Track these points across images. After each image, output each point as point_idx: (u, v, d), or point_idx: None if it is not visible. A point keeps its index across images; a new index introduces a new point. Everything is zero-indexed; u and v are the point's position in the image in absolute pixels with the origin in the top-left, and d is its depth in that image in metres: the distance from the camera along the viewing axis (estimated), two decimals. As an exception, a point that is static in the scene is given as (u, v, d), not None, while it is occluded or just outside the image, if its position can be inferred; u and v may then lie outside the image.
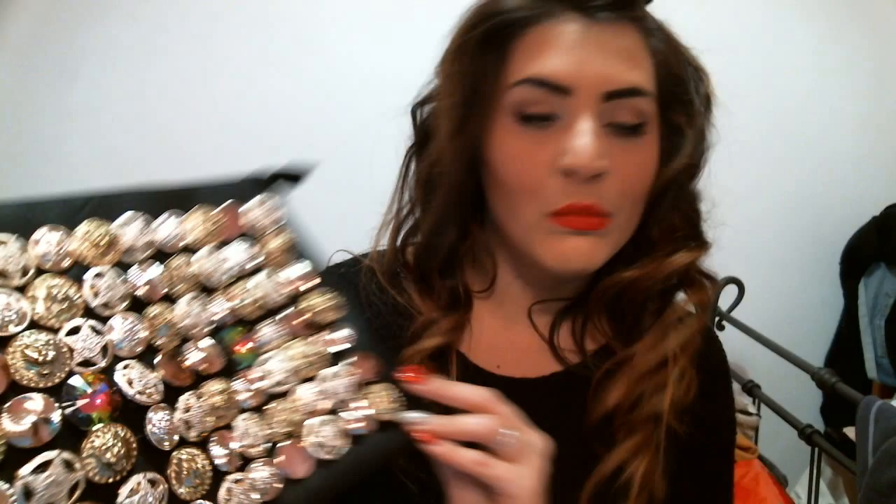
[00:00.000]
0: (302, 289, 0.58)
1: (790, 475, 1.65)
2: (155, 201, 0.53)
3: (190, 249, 0.54)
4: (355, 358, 0.57)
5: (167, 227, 0.52)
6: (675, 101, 0.69)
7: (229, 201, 0.57)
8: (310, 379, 0.55)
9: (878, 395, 1.29)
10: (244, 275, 0.56)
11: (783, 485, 1.56)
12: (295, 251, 0.59)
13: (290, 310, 0.57)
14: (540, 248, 0.65)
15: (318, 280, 0.59)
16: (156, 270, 0.51)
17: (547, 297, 0.74)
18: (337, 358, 0.57)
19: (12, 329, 0.42)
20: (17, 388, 0.41)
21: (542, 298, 0.74)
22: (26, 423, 0.39)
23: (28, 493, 0.38)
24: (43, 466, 0.39)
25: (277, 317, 0.56)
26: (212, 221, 0.55)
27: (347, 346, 0.58)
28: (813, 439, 1.42)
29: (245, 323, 0.55)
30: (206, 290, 0.53)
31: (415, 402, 0.58)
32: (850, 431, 1.43)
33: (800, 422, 1.45)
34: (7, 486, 0.37)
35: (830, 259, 2.09)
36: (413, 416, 0.57)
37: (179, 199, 0.54)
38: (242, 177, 0.61)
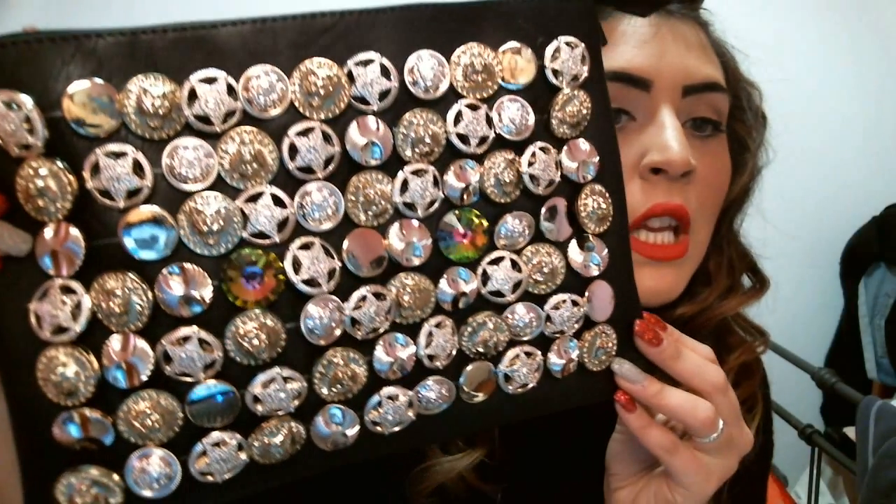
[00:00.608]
0: (585, 177, 0.47)
1: (790, 475, 1.66)
2: (423, 25, 0.42)
3: (437, 101, 0.43)
4: (595, 291, 0.49)
5: (423, 65, 0.42)
6: (737, 107, 0.67)
7: (533, 36, 0.45)
8: (531, 296, 0.47)
9: (878, 395, 1.31)
10: (511, 143, 0.45)
11: (783, 484, 1.58)
12: (591, 127, 0.48)
13: (557, 201, 0.47)
14: None
15: (602, 168, 0.48)
16: (379, 125, 0.41)
17: None
18: (573, 277, 0.48)
19: (192, 186, 0.38)
20: (180, 248, 0.38)
21: None
22: (175, 293, 0.38)
23: (167, 357, 0.39)
24: (182, 340, 0.39)
25: (542, 210, 0.46)
26: (488, 63, 0.43)
27: (598, 270, 0.48)
28: (813, 439, 1.43)
29: (488, 204, 0.45)
30: (452, 156, 0.43)
31: (628, 346, 0.51)
32: (850, 431, 1.45)
33: (800, 422, 1.46)
34: (150, 349, 0.38)
35: (830, 259, 2.09)
36: (631, 372, 0.50)
37: (460, 21, 0.43)
38: None
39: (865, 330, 2.03)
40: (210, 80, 0.38)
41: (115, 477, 0.39)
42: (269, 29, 0.39)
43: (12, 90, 0.35)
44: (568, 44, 0.46)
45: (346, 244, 0.41)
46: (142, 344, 0.38)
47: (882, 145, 2.11)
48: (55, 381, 0.37)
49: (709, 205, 0.63)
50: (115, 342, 0.38)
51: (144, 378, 0.38)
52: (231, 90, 0.38)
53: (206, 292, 0.39)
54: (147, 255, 0.38)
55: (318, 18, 0.40)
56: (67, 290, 0.37)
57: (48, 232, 0.37)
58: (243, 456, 0.41)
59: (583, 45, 0.46)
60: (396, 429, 0.45)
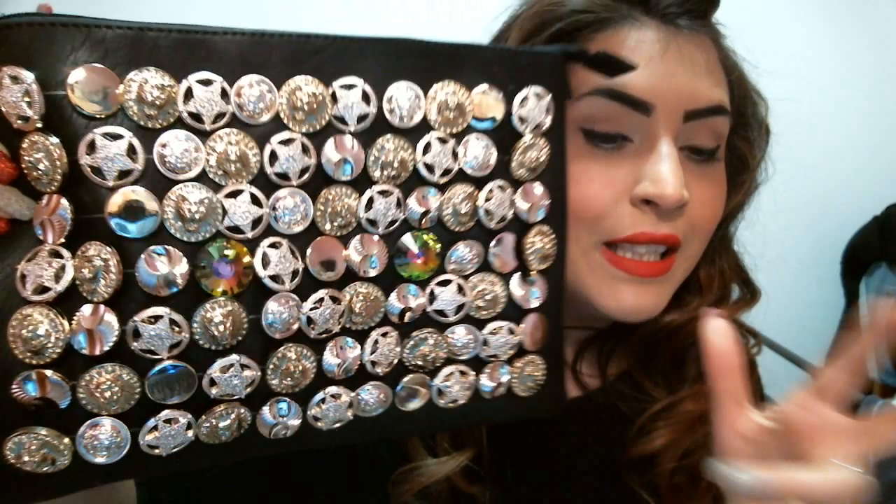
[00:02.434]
0: (535, 218, 0.51)
1: None
2: (407, 59, 0.46)
3: (411, 130, 0.46)
4: (531, 322, 0.53)
5: (401, 95, 0.46)
6: (741, 124, 0.65)
7: (505, 83, 0.49)
8: (472, 320, 0.51)
9: (879, 395, 1.32)
10: (471, 178, 0.49)
11: None
12: (547, 173, 0.52)
13: (506, 236, 0.51)
14: (596, 291, 0.60)
15: (551, 212, 0.52)
16: (354, 144, 0.45)
17: (576, 324, 0.67)
18: (512, 307, 0.52)
19: (178, 176, 0.41)
20: (161, 231, 0.41)
21: (571, 325, 0.65)
22: (158, 273, 0.41)
23: (136, 333, 0.41)
24: (153, 319, 0.41)
25: (492, 243, 0.50)
26: (461, 101, 0.47)
27: (537, 303, 0.53)
28: None
29: (443, 231, 0.49)
30: (416, 182, 0.47)
31: (555, 377, 0.54)
32: None
33: None
34: (119, 324, 0.41)
35: (831, 258, 2.05)
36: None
37: (440, 60, 0.47)
38: (537, 49, 0.53)
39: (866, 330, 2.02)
40: (206, 82, 0.41)
41: (66, 440, 0.41)
42: (266, 43, 0.43)
43: (20, 66, 0.38)
44: (536, 94, 0.51)
45: (310, 249, 0.45)
46: (110, 316, 0.41)
47: (885, 144, 2.08)
48: (25, 336, 0.39)
49: (701, 227, 0.62)
50: (85, 309, 0.40)
51: (107, 348, 0.41)
52: (224, 94, 0.42)
53: (182, 275, 0.42)
54: (129, 232, 0.41)
55: (312, 39, 0.44)
56: (55, 254, 0.40)
57: (43, 201, 0.39)
58: (190, 434, 0.44)
59: (549, 96, 0.51)
60: (335, 426, 0.48)
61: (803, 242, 2.01)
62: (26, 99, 0.39)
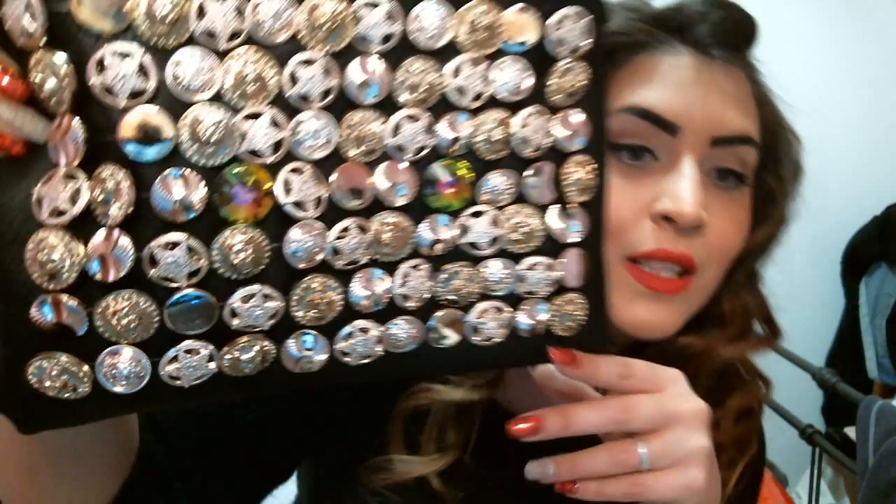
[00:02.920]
0: (573, 147, 0.49)
1: (791, 475, 1.66)
2: None
3: (439, 52, 0.44)
4: (570, 257, 0.50)
5: (429, 16, 0.43)
6: (771, 160, 0.66)
7: (539, 1, 0.46)
8: (508, 254, 0.48)
9: (878, 395, 1.32)
10: (505, 103, 0.46)
11: (783, 485, 1.58)
12: (586, 99, 0.49)
13: (544, 166, 0.48)
14: (616, 305, 0.58)
15: (591, 140, 0.49)
16: (378, 66, 0.43)
17: None
18: (550, 242, 0.49)
19: (193, 97, 0.39)
20: (176, 153, 0.39)
21: None
22: (173, 197, 0.40)
23: (153, 260, 0.40)
24: (170, 245, 0.40)
25: (527, 172, 0.47)
26: (492, 21, 0.44)
27: (577, 238, 0.50)
28: (814, 439, 1.44)
29: (475, 159, 0.46)
30: (446, 107, 0.45)
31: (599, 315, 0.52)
32: (850, 431, 1.45)
33: (801, 421, 1.47)
34: (134, 250, 0.40)
35: (831, 258, 2.09)
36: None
37: None
38: None
39: (866, 330, 2.04)
40: None
41: (85, 368, 0.41)
42: None
43: None
44: (575, 13, 0.47)
45: (334, 175, 0.43)
46: (124, 240, 0.39)
47: (884, 144, 2.09)
48: (41, 260, 0.38)
49: (719, 255, 0.62)
50: (99, 234, 0.39)
51: (122, 274, 0.40)
52: (240, 11, 0.40)
53: (200, 200, 0.40)
54: (144, 155, 0.39)
55: None
56: (69, 177, 0.39)
57: (54, 123, 0.38)
58: (212, 366, 0.43)
59: (589, 16, 0.48)
60: (363, 361, 0.46)
61: (803, 242, 1.99)
62: (28, 13, 0.37)
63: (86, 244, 0.39)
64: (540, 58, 0.47)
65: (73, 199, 0.39)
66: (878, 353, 2.03)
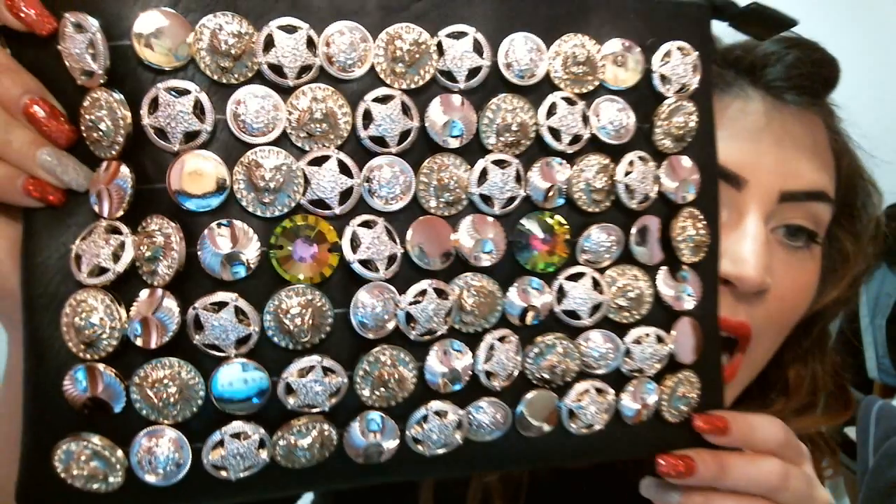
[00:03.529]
0: (684, 198, 0.42)
1: None
2: (524, 7, 0.39)
3: (532, 89, 0.39)
4: (684, 328, 0.43)
5: (520, 49, 0.38)
6: (845, 215, 0.60)
7: (643, 36, 0.41)
8: (611, 323, 0.42)
9: (879, 395, 1.35)
10: (606, 147, 0.40)
11: None
12: (696, 144, 0.43)
13: (650, 220, 0.42)
14: None
15: (702, 191, 0.43)
16: (460, 104, 0.37)
17: None
18: (660, 309, 0.42)
19: (254, 139, 0.34)
20: (231, 203, 0.35)
21: None
22: (221, 251, 0.34)
23: (198, 323, 0.35)
24: (218, 305, 0.35)
25: (633, 228, 0.41)
26: (591, 56, 0.39)
27: (691, 304, 0.43)
28: None
29: (573, 211, 0.40)
30: (539, 152, 0.39)
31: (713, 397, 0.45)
32: (850, 431, 1.45)
33: None
34: (179, 308, 0.34)
35: None
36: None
37: (564, 8, 0.39)
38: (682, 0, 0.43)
39: (866, 330, 2.00)
40: (290, 29, 0.35)
41: (119, 453, 0.34)
42: None
43: (83, 12, 0.33)
44: (680, 49, 0.41)
45: (410, 231, 0.37)
46: (169, 302, 0.34)
47: (884, 144, 2.03)
48: (79, 325, 0.33)
49: (779, 321, 0.56)
50: (142, 294, 0.34)
51: (167, 339, 0.34)
52: (311, 44, 0.35)
53: (253, 256, 0.35)
54: (196, 205, 0.34)
55: None
56: (112, 230, 0.34)
57: (101, 168, 0.34)
58: (264, 455, 0.36)
59: (696, 52, 0.42)
60: (440, 451, 0.39)
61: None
62: (90, 51, 0.33)
63: (127, 307, 0.34)
64: (643, 97, 0.41)
65: (116, 255, 0.34)
66: (878, 353, 1.99)
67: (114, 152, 0.34)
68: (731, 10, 0.43)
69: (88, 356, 0.34)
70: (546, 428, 0.41)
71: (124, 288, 0.34)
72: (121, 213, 0.34)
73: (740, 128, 0.53)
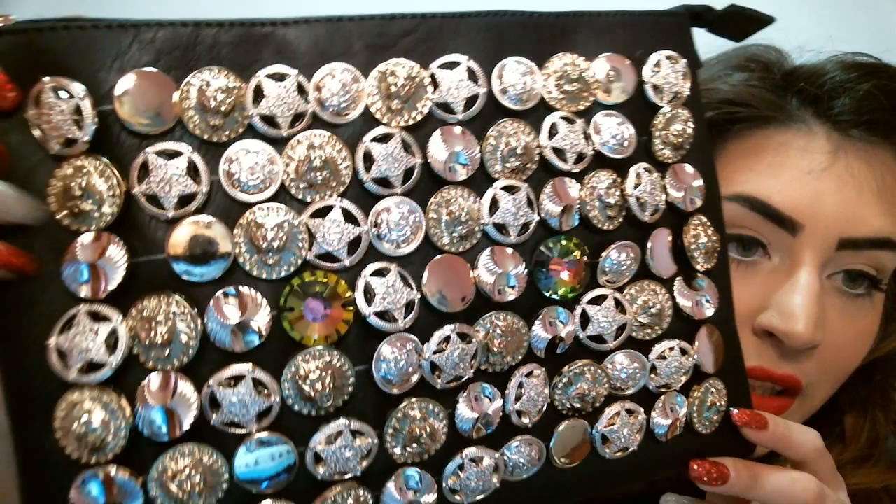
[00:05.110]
0: (692, 206, 0.41)
1: None
2: (509, 33, 0.37)
3: (529, 112, 0.37)
4: (705, 337, 0.42)
5: (511, 74, 0.37)
6: None
7: (631, 48, 0.40)
8: (634, 342, 0.40)
9: None
10: (610, 163, 0.39)
11: None
12: (694, 151, 0.42)
13: (660, 232, 0.40)
14: None
15: (706, 197, 0.42)
16: (460, 134, 0.35)
17: None
18: (680, 321, 0.41)
19: (251, 197, 0.32)
20: (233, 268, 0.32)
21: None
22: (230, 321, 0.32)
23: (214, 402, 0.32)
24: (234, 380, 0.32)
25: (649, 242, 0.39)
26: (583, 73, 0.38)
27: (711, 310, 0.42)
28: None
29: (587, 231, 0.39)
30: (545, 174, 0.38)
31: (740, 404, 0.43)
32: None
33: None
34: (194, 389, 0.32)
35: None
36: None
37: (549, 31, 0.38)
38: (658, 10, 0.42)
39: None
40: (279, 77, 0.33)
41: None
42: (344, 28, 0.35)
43: (62, 77, 0.30)
44: (669, 58, 0.41)
45: (426, 273, 0.35)
46: (184, 386, 0.31)
47: None
48: (78, 433, 0.30)
49: (834, 375, 0.52)
50: (153, 382, 0.31)
51: (186, 427, 0.31)
52: (301, 90, 0.33)
53: (264, 322, 0.32)
54: (196, 276, 0.31)
55: (398, 20, 0.36)
56: (98, 317, 0.31)
57: (85, 239, 0.30)
58: None
59: (684, 60, 0.41)
60: (479, 497, 0.37)
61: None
62: (75, 117, 0.30)
63: (129, 398, 0.31)
64: (637, 109, 0.40)
65: (110, 345, 0.30)
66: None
67: (103, 224, 0.31)
68: (709, 15, 0.43)
69: (94, 460, 0.30)
70: (577, 460, 0.39)
71: (121, 377, 0.31)
72: (107, 293, 0.30)
73: (800, 168, 0.48)
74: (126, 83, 0.31)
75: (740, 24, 0.44)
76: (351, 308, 0.34)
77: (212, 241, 0.31)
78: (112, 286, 0.30)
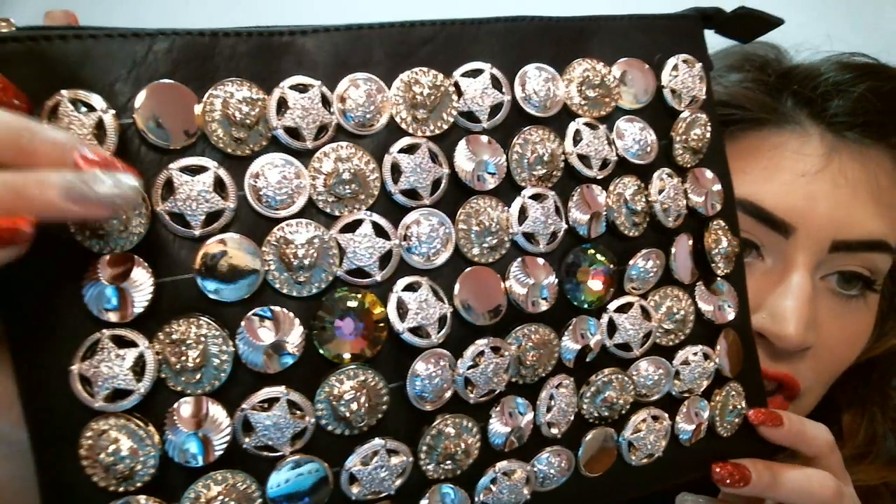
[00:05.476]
0: (712, 210, 0.41)
1: None
2: (529, 40, 0.37)
3: (553, 119, 0.37)
4: (726, 341, 0.42)
5: (534, 81, 0.36)
6: None
7: (650, 52, 0.40)
8: (658, 349, 0.40)
9: None
10: (634, 168, 0.38)
11: None
12: (711, 155, 0.41)
13: (682, 238, 0.40)
14: None
15: (724, 202, 0.42)
16: (487, 143, 0.35)
17: None
18: (702, 326, 0.41)
19: (278, 213, 0.31)
20: (264, 287, 0.31)
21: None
22: (264, 343, 0.30)
23: (247, 425, 0.31)
24: (268, 402, 0.31)
25: (672, 248, 0.39)
26: (604, 78, 0.37)
27: (732, 315, 0.42)
28: None
29: (614, 238, 0.38)
30: (570, 181, 0.37)
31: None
32: None
33: None
34: (226, 413, 0.30)
35: None
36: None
37: (567, 37, 0.38)
38: (671, 13, 0.42)
39: None
40: (303, 88, 0.32)
41: None
42: (364, 37, 0.33)
43: (79, 89, 0.29)
44: (685, 61, 0.40)
45: (457, 286, 0.34)
46: (216, 410, 0.30)
47: None
48: (106, 462, 0.29)
49: (829, 371, 0.52)
50: (184, 408, 0.30)
51: (219, 453, 0.30)
52: (325, 101, 0.32)
53: (297, 342, 0.31)
54: (225, 296, 0.30)
55: (417, 28, 0.35)
56: (123, 342, 0.29)
57: (108, 261, 0.29)
58: None
59: (699, 63, 0.41)
60: None
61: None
62: (94, 132, 0.28)
63: (157, 425, 0.30)
64: (657, 113, 0.40)
65: (137, 371, 0.29)
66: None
67: (129, 244, 0.29)
68: (719, 17, 0.43)
69: (123, 489, 0.29)
70: (604, 468, 0.39)
71: (149, 403, 0.30)
72: (133, 317, 0.29)
73: (793, 171, 0.48)
74: (146, 95, 0.29)
75: (749, 25, 0.44)
76: (383, 325, 0.33)
77: (239, 260, 0.30)
78: (138, 310, 0.29)
